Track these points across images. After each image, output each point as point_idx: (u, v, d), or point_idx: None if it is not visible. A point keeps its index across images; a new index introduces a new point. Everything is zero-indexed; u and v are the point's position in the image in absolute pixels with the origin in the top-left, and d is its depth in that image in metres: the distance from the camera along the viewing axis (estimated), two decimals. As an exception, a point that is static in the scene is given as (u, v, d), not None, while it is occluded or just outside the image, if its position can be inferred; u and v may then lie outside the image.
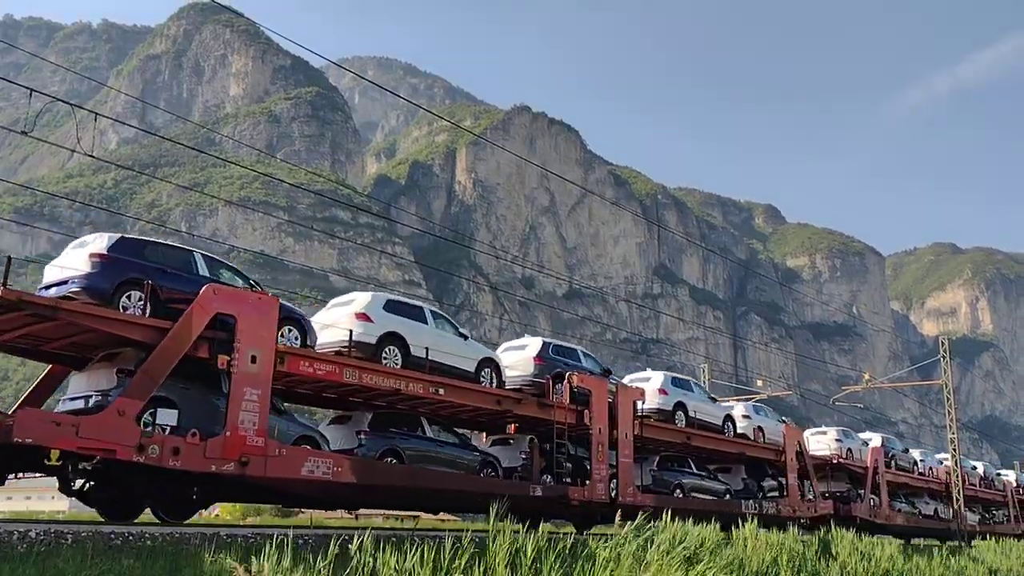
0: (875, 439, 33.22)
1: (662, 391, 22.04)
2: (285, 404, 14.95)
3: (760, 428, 26.18)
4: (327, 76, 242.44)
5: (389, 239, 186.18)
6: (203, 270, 13.46)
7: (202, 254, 13.75)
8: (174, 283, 12.78)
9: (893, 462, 33.57)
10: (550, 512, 18.74)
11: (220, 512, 47.39)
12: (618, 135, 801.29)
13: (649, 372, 23.76)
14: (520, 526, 17.15)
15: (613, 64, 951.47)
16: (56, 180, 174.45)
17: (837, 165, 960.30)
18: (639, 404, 20.19)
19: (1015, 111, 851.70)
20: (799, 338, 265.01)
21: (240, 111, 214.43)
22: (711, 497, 22.71)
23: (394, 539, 9.67)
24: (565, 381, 18.29)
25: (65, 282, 12.31)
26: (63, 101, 15.32)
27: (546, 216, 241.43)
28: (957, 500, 34.16)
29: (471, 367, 16.85)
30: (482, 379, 17.03)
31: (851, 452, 31.19)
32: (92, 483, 12.48)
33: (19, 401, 14.17)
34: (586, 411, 18.34)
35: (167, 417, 12.06)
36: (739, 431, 24.98)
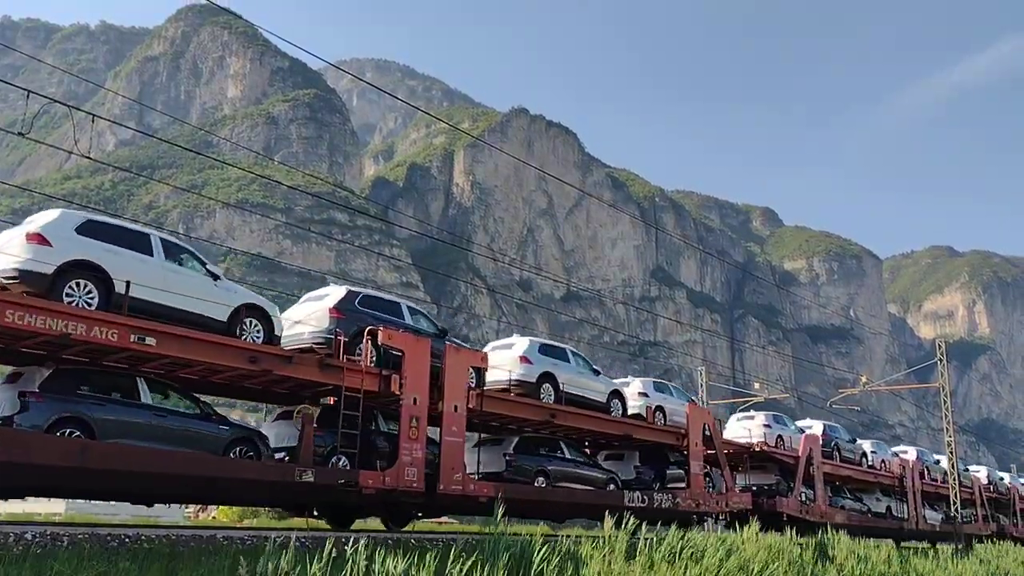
0: (815, 426, 30.62)
1: (524, 359, 18.57)
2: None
3: (660, 408, 22.71)
4: (325, 78, 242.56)
5: (387, 241, 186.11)
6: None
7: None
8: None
9: (836, 453, 30.49)
10: (347, 504, 15.08)
11: (217, 514, 47.12)
12: (616, 138, 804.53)
13: (515, 338, 19.75)
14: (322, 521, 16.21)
15: (611, 67, 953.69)
16: (54, 182, 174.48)
17: (835, 167, 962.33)
18: (484, 373, 16.74)
19: (1013, 114, 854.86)
20: (796, 341, 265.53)
21: (238, 113, 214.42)
22: (586, 487, 19.23)
23: (389, 542, 9.66)
24: (365, 337, 14.89)
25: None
26: (61, 103, 15.20)
27: (544, 218, 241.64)
28: (954, 503, 34.18)
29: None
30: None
31: (782, 440, 27.99)
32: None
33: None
34: (395, 376, 14.77)
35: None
36: (632, 411, 21.57)
